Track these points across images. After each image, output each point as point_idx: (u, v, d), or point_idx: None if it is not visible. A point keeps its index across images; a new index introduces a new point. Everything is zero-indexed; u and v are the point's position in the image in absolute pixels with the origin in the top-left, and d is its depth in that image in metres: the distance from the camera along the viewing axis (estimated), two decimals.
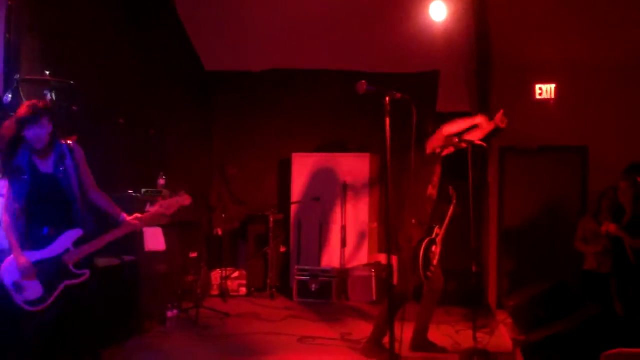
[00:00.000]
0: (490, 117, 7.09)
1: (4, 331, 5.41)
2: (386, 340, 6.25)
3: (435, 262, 6.93)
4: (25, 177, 5.10)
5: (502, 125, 6.99)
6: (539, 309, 7.02)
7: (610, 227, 7.23)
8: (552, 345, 5.35)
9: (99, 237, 5.26)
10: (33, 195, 5.11)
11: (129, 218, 5.39)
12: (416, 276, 6.81)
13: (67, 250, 5.12)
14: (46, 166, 5.18)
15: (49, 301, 5.03)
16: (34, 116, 5.03)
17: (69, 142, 5.30)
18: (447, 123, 6.90)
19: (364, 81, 5.07)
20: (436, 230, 6.98)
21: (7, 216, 5.08)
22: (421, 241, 6.79)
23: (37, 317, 5.03)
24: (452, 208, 7.07)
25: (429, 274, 6.81)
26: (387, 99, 5.05)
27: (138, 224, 5.42)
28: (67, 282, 5.09)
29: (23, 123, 5.05)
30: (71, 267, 5.12)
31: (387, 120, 5.00)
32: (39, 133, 5.06)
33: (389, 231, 5.35)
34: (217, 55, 11.61)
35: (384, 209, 11.13)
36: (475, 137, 6.97)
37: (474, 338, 6.77)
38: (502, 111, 6.97)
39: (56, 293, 5.05)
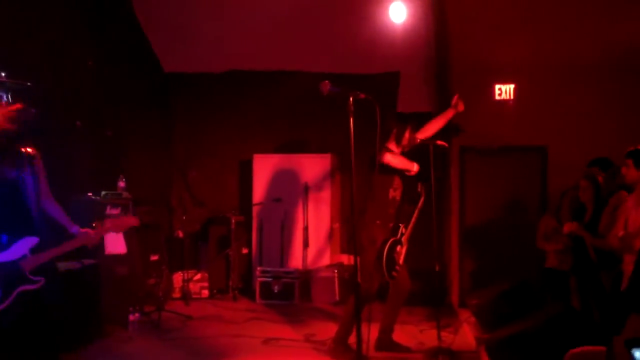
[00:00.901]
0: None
1: None
2: (352, 340, 6.29)
3: (400, 261, 6.94)
4: None
5: (460, 109, 7.07)
6: (502, 307, 7.07)
7: (572, 227, 7.29)
8: (516, 343, 5.39)
9: (53, 246, 5.21)
10: None
11: (82, 230, 5.38)
12: (380, 276, 6.80)
13: (24, 256, 5.06)
14: (9, 171, 5.11)
15: (4, 304, 4.94)
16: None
17: (28, 149, 5.25)
18: (420, 130, 6.96)
19: (327, 81, 5.06)
20: (401, 229, 6.99)
21: None
22: (385, 241, 6.79)
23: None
24: (419, 205, 7.08)
25: (394, 273, 6.82)
26: (351, 99, 5.01)
27: (92, 237, 5.39)
28: (22, 288, 5.02)
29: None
30: (27, 273, 5.06)
31: (351, 120, 4.96)
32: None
33: (353, 231, 5.27)
34: (176, 57, 11.48)
35: (345, 210, 11.16)
36: (437, 126, 7.03)
37: (438, 337, 6.80)
38: (457, 95, 7.04)
39: (11, 297, 4.97)
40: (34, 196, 5.19)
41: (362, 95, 5.11)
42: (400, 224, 7.01)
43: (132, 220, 5.60)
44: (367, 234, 6.88)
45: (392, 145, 7.05)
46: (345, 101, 5.29)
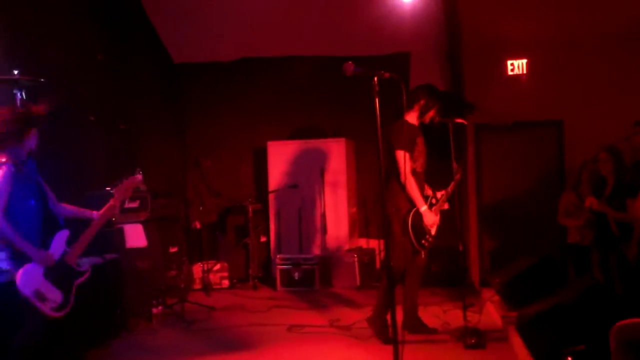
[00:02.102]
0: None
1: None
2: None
3: (433, 232, 6.89)
4: (26, 173, 5.11)
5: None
6: (527, 284, 7.06)
7: (593, 203, 7.24)
8: (548, 319, 5.35)
9: (82, 233, 5.34)
10: (33, 199, 5.15)
11: (99, 212, 5.51)
12: (410, 246, 6.78)
13: (65, 252, 5.19)
14: (33, 174, 5.23)
15: (70, 304, 5.12)
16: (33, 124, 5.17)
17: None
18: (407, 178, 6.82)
19: (350, 62, 4.99)
20: (431, 199, 6.95)
21: (2, 220, 4.92)
22: (409, 210, 6.78)
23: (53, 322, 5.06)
24: (453, 184, 7.00)
25: (424, 242, 6.77)
26: (376, 79, 4.94)
27: (111, 209, 5.54)
28: (77, 281, 5.21)
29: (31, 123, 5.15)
30: (74, 266, 5.22)
31: (377, 101, 4.89)
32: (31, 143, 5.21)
33: (384, 213, 5.20)
34: (186, 47, 11.45)
35: (362, 194, 11.13)
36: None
37: (464, 317, 6.75)
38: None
39: (73, 295, 5.14)
40: (48, 194, 5.32)
41: (387, 75, 5.03)
42: (429, 194, 6.98)
43: (136, 179, 5.81)
44: (391, 203, 6.84)
45: (410, 117, 6.97)
46: (368, 82, 5.19)
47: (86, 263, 5.37)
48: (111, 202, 5.58)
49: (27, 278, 4.93)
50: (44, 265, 5.00)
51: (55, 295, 5.04)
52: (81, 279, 5.22)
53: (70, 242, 5.22)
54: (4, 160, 5.06)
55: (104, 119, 9.16)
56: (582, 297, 5.38)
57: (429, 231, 6.87)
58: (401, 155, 6.65)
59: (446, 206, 7.08)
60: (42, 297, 4.94)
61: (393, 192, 6.88)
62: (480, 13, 9.61)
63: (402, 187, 6.74)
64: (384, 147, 6.06)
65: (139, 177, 5.80)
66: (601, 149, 7.53)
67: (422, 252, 6.99)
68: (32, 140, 5.17)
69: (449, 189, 7.00)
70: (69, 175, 8.06)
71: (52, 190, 5.53)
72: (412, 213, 6.76)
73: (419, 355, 5.16)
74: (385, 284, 6.76)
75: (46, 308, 4.96)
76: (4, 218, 4.88)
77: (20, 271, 4.93)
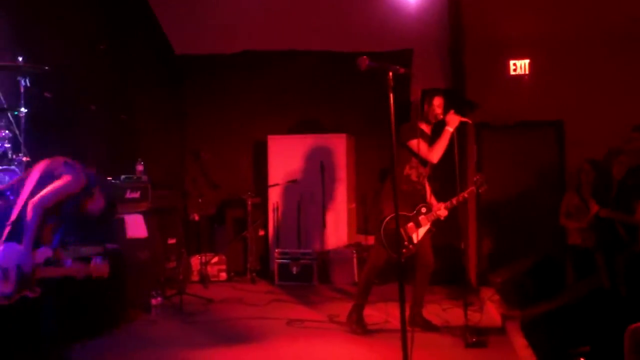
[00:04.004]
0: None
1: None
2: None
3: (415, 240, 6.89)
4: None
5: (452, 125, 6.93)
6: (528, 284, 7.07)
7: (602, 213, 7.26)
8: (553, 319, 5.35)
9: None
10: None
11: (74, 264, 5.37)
12: (385, 251, 6.87)
13: (38, 265, 5.13)
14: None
15: (11, 302, 5.03)
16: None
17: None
18: (430, 150, 6.87)
19: (365, 57, 4.94)
20: (420, 208, 6.95)
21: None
22: (385, 216, 6.83)
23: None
24: (466, 194, 6.96)
25: (403, 250, 6.77)
26: (390, 73, 4.91)
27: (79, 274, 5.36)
28: (25, 292, 5.08)
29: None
30: (34, 280, 5.13)
31: (391, 96, 4.86)
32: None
33: (396, 209, 5.17)
34: (187, 39, 11.40)
35: (362, 190, 11.12)
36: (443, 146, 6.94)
37: (465, 316, 6.75)
38: (451, 111, 6.95)
39: (18, 297, 5.05)
40: None
41: (402, 70, 5.00)
42: (420, 202, 6.98)
43: (105, 270, 5.37)
44: (379, 204, 7.00)
45: (422, 124, 7.01)
46: (371, 78, 5.17)
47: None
48: (82, 265, 5.35)
49: (9, 253, 5.00)
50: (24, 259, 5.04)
51: (10, 284, 5.01)
52: (29, 294, 5.08)
53: (47, 262, 5.20)
54: None
55: (104, 108, 9.12)
56: (587, 298, 5.39)
57: (410, 238, 6.88)
58: (415, 144, 6.68)
59: (442, 216, 7.05)
60: (5, 277, 4.96)
61: (384, 193, 6.99)
62: (484, 12, 9.62)
63: (393, 191, 6.76)
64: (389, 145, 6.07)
65: (107, 270, 5.42)
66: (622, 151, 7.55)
67: (429, 252, 7.05)
68: None
69: (460, 197, 6.96)
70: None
71: None
72: (386, 220, 6.81)
73: (419, 354, 5.15)
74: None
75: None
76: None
77: (8, 244, 5.02)
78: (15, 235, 5.07)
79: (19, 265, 4.98)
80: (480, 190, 7.00)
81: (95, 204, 5.40)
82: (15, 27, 7.65)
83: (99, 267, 5.37)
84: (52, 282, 5.20)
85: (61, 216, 5.30)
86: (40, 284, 5.18)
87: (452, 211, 7.16)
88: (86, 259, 5.32)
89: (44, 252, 5.18)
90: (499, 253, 9.55)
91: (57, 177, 5.21)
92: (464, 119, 6.97)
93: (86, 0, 9.12)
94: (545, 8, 9.33)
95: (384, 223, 6.82)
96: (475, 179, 6.98)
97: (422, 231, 6.97)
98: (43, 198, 5.09)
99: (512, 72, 9.75)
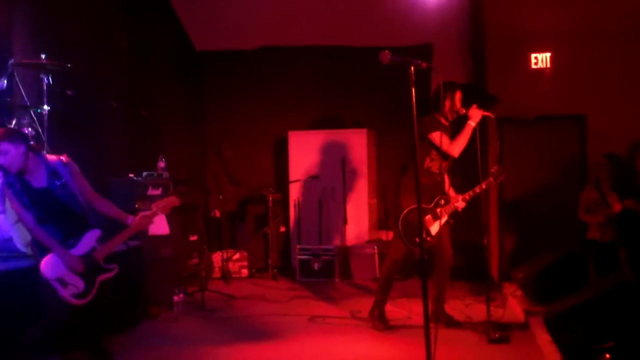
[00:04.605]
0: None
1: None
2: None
3: (433, 232, 6.86)
4: (17, 187, 5.24)
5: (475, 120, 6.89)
6: (551, 279, 7.03)
7: (627, 204, 7.19)
8: (578, 315, 5.31)
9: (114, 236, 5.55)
10: (37, 209, 5.26)
11: (136, 218, 5.66)
12: (402, 243, 6.84)
13: (94, 248, 5.37)
14: (39, 181, 5.33)
15: (91, 295, 5.26)
16: None
17: (61, 158, 5.49)
18: (452, 144, 6.85)
19: (387, 51, 4.91)
20: (438, 200, 6.91)
21: (36, 227, 5.23)
22: (402, 209, 6.81)
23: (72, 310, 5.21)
24: (484, 185, 6.90)
25: (418, 240, 6.73)
26: (412, 68, 4.88)
27: (146, 220, 5.75)
28: (102, 277, 5.36)
29: None
30: (102, 262, 5.38)
31: (413, 91, 4.83)
32: (5, 160, 5.19)
33: (419, 204, 5.14)
34: (207, 35, 11.44)
35: (382, 185, 11.10)
36: (465, 140, 6.91)
37: (488, 312, 6.72)
38: (474, 105, 6.91)
39: (95, 287, 5.29)
40: (80, 199, 5.46)
41: (424, 65, 4.97)
42: (438, 195, 6.95)
43: (174, 200, 5.90)
44: (397, 197, 6.99)
45: (440, 117, 6.97)
46: (392, 72, 5.14)
47: (116, 263, 5.49)
48: (147, 212, 5.74)
49: (52, 264, 5.11)
50: (67, 265, 5.15)
51: (77, 283, 5.19)
52: (106, 275, 5.37)
53: (101, 240, 5.39)
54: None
55: (126, 105, 9.15)
56: (612, 292, 5.34)
57: (428, 231, 6.85)
58: (437, 136, 6.64)
59: (460, 207, 7.01)
60: (63, 283, 5.09)
61: (403, 187, 6.97)
62: (504, 5, 9.57)
63: (416, 184, 6.74)
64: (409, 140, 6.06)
65: (177, 199, 5.94)
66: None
67: (449, 246, 7.02)
68: (7, 156, 5.20)
69: (477, 188, 6.90)
70: (92, 161, 8.07)
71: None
72: (405, 212, 6.77)
73: (442, 350, 5.12)
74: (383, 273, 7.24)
75: (67, 294, 5.09)
76: (38, 228, 5.21)
77: (46, 257, 5.10)
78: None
79: (69, 267, 5.10)
80: (497, 182, 6.95)
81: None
82: (37, 25, 7.70)
83: (165, 203, 5.77)
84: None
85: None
86: (112, 260, 5.48)
87: (474, 207, 7.12)
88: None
89: (91, 235, 5.38)
90: (521, 248, 9.49)
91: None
92: (486, 113, 6.91)
93: None
94: (566, 1, 9.25)
95: (402, 216, 6.79)
96: (492, 170, 6.92)
97: (441, 223, 6.93)
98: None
99: (533, 66, 9.68)
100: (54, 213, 5.32)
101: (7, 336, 5.30)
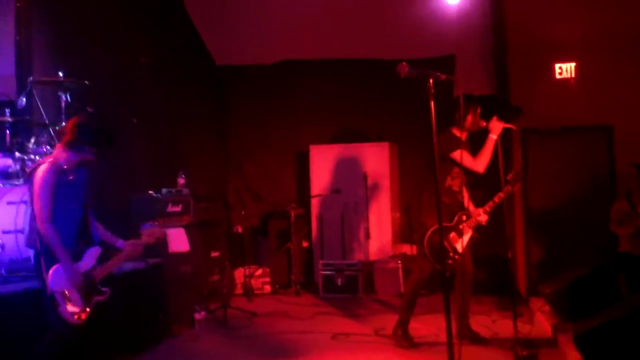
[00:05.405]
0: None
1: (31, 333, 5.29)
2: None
3: (460, 250, 6.72)
4: (73, 178, 5.16)
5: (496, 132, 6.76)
6: (581, 295, 6.85)
7: None
8: (609, 332, 5.15)
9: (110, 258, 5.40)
10: (75, 204, 5.16)
11: (127, 243, 5.49)
12: (428, 262, 6.71)
13: (94, 267, 5.20)
14: (81, 179, 5.27)
15: (87, 314, 5.05)
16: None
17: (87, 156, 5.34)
18: (475, 160, 6.73)
19: (405, 63, 4.79)
20: (459, 217, 6.78)
21: (50, 225, 4.97)
22: (427, 228, 6.67)
23: (74, 328, 5.02)
24: (503, 194, 6.76)
25: (449, 261, 6.61)
26: (431, 81, 4.76)
27: (137, 248, 5.53)
28: (96, 298, 5.16)
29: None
30: (97, 284, 5.19)
31: (432, 104, 4.71)
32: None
33: (440, 220, 5.02)
34: (228, 50, 11.45)
35: (405, 199, 10.98)
36: (489, 154, 6.78)
37: (515, 328, 6.55)
38: (494, 117, 6.78)
39: (91, 307, 5.09)
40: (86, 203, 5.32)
41: (443, 77, 4.85)
42: (458, 211, 6.81)
43: (159, 231, 5.70)
44: (421, 215, 6.90)
45: (456, 131, 6.83)
46: (413, 85, 5.01)
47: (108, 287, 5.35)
48: (135, 240, 5.55)
49: (58, 276, 4.96)
50: (69, 278, 5.00)
51: (77, 300, 5.02)
52: (100, 298, 5.17)
53: (100, 260, 5.24)
54: (50, 159, 5.11)
55: (146, 121, 9.12)
56: None
57: (454, 249, 6.71)
58: (458, 155, 6.51)
59: (484, 221, 6.87)
60: (67, 298, 4.95)
61: (425, 204, 6.86)
62: (527, 15, 9.47)
63: (436, 202, 6.61)
64: (428, 157, 5.94)
65: (161, 230, 5.74)
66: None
67: (469, 260, 6.89)
68: (88, 155, 5.17)
69: (496, 198, 6.77)
70: (113, 178, 8.04)
71: (98, 193, 5.53)
72: (430, 231, 6.64)
73: None
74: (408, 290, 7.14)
75: (67, 312, 4.93)
76: (50, 225, 4.94)
77: (54, 268, 4.96)
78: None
79: (70, 281, 4.97)
80: (515, 188, 6.81)
81: None
82: (58, 42, 7.69)
83: (152, 232, 5.52)
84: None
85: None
86: (107, 283, 5.25)
87: (499, 220, 6.96)
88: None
89: (94, 253, 5.21)
90: (549, 262, 9.30)
91: None
92: (507, 125, 6.80)
93: (127, 13, 9.13)
94: (591, 9, 9.14)
95: (427, 235, 6.67)
96: (508, 177, 6.77)
97: (465, 239, 6.80)
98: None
99: (557, 76, 9.57)
100: (82, 214, 5.23)
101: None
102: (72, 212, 5.15)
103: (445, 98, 5.77)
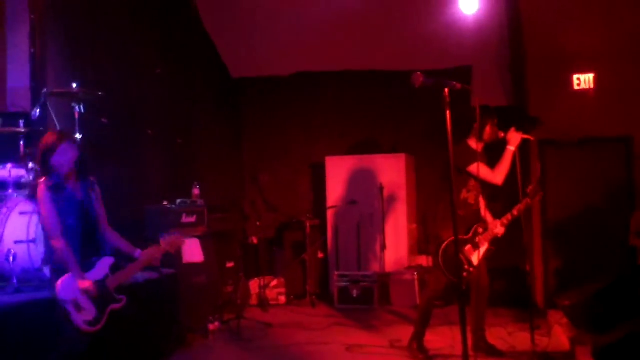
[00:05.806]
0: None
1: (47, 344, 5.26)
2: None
3: (475, 262, 6.62)
4: (67, 192, 5.15)
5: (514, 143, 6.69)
6: (600, 307, 6.76)
7: None
8: (630, 346, 5.06)
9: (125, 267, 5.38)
10: (72, 218, 5.15)
11: (144, 252, 5.46)
12: (443, 275, 6.59)
13: (107, 276, 5.17)
14: (77, 192, 5.24)
15: (103, 322, 5.03)
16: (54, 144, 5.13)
17: (90, 178, 5.37)
18: (494, 172, 6.67)
19: (419, 73, 4.75)
20: (475, 229, 6.69)
21: (61, 239, 5.02)
22: (443, 240, 6.58)
23: (88, 337, 4.99)
24: (523, 205, 6.68)
25: (464, 274, 6.52)
26: (446, 90, 4.71)
27: (153, 255, 5.50)
28: (111, 306, 5.14)
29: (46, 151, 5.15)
30: (113, 291, 5.17)
31: (448, 113, 4.66)
32: (59, 160, 5.12)
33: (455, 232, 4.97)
34: (243, 62, 11.47)
35: (421, 210, 10.92)
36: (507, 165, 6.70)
37: (532, 341, 6.46)
38: (513, 128, 6.71)
39: (105, 316, 5.06)
40: (97, 220, 5.33)
41: (459, 86, 4.80)
42: (475, 224, 6.73)
43: (180, 239, 5.66)
44: (435, 227, 6.83)
45: (472, 142, 6.77)
46: (429, 95, 4.97)
47: (125, 294, 5.30)
48: (154, 247, 5.53)
49: (67, 286, 4.94)
50: (79, 288, 4.98)
51: (90, 309, 4.99)
52: (116, 306, 5.15)
53: (113, 269, 5.21)
54: (43, 178, 5.16)
55: (161, 132, 9.13)
56: None
57: (469, 261, 6.62)
58: (475, 168, 6.44)
59: (500, 233, 6.79)
60: (78, 307, 4.92)
61: (440, 216, 6.77)
62: (545, 26, 9.38)
63: (452, 214, 6.54)
64: (444, 168, 5.88)
65: (182, 238, 5.70)
66: None
67: (485, 272, 6.81)
68: (65, 156, 5.12)
69: (515, 211, 6.69)
70: (128, 189, 8.04)
71: (111, 203, 5.50)
72: (443, 246, 6.55)
73: None
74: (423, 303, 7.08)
75: (79, 319, 4.91)
76: (62, 239, 5.00)
77: (63, 278, 4.95)
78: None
79: (82, 290, 4.95)
80: (534, 200, 6.73)
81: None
82: (72, 53, 7.70)
83: (171, 240, 5.48)
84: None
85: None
86: (123, 291, 5.24)
87: (516, 231, 6.89)
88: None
89: (106, 262, 5.20)
90: (566, 274, 9.21)
91: None
92: (525, 136, 6.72)
93: (142, 25, 9.15)
94: (609, 20, 9.04)
95: (442, 249, 6.59)
96: (528, 190, 6.69)
97: (481, 252, 6.71)
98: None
99: (576, 87, 9.46)
100: (82, 227, 5.20)
101: None
102: (71, 227, 5.14)
103: (462, 109, 5.73)
